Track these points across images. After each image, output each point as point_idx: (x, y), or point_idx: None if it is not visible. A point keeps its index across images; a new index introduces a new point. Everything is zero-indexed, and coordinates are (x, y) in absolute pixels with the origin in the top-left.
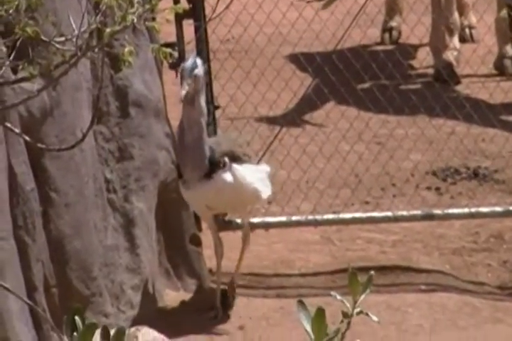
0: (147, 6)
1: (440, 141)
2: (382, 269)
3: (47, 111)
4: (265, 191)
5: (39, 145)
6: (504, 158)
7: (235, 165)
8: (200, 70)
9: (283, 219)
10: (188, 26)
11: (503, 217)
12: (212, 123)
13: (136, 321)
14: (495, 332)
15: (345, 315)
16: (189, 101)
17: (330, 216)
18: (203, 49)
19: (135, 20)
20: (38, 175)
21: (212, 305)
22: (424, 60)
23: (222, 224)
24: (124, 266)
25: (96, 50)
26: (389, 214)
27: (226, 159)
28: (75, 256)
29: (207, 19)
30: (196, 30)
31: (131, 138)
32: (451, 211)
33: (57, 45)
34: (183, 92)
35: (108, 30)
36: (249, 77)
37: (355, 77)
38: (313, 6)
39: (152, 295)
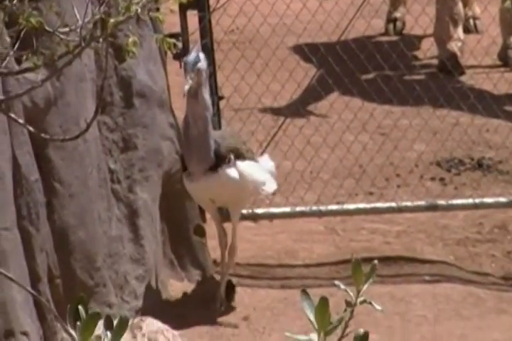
0: None
1: (444, 132)
2: (386, 260)
3: (51, 101)
4: (270, 187)
5: (43, 135)
6: (508, 148)
7: (239, 162)
8: (203, 64)
9: (287, 209)
10: (192, 17)
11: (507, 207)
12: (217, 113)
13: (140, 311)
14: (499, 323)
15: (348, 304)
16: (193, 95)
17: (334, 206)
18: (207, 40)
19: (139, 10)
20: (42, 165)
21: (217, 296)
22: (428, 50)
23: (226, 215)
24: (128, 257)
25: (100, 40)
26: (393, 204)
27: (232, 156)
28: (79, 247)
29: (211, 9)
30: (200, 20)
31: (135, 128)
32: (455, 202)
33: (61, 36)
34: (187, 87)
35: (112, 20)
36: (254, 67)
37: (359, 67)
38: None
39: (156, 285)
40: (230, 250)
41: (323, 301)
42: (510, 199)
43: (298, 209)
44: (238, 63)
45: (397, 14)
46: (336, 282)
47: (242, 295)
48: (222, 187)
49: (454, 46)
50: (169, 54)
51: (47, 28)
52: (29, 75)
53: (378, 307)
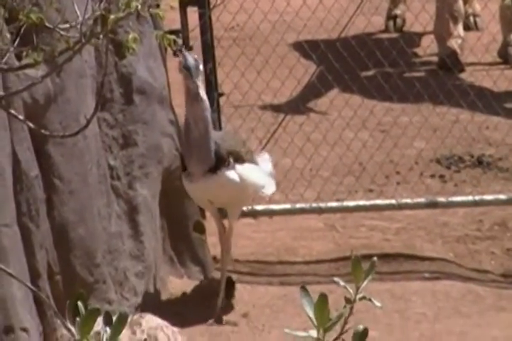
0: None
1: (444, 129)
2: (385, 257)
3: (51, 97)
4: (268, 189)
5: (43, 131)
6: (508, 145)
7: (239, 165)
8: (201, 65)
9: (287, 206)
10: (193, 13)
11: (506, 204)
12: (217, 110)
13: (140, 308)
14: (498, 320)
15: (347, 301)
16: (194, 97)
17: (334, 203)
18: (207, 36)
19: (139, 7)
20: (41, 161)
21: (216, 293)
22: (428, 47)
23: (226, 212)
24: (127, 253)
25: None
26: (393, 201)
27: (231, 159)
28: (79, 243)
29: (211, 6)
30: (200, 17)
31: (135, 125)
32: (454, 199)
33: (62, 32)
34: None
35: (112, 16)
36: (254, 64)
37: (359, 64)
38: None
39: (156, 282)
40: (223, 248)
41: (323, 298)
42: (510, 197)
43: (298, 206)
44: (238, 60)
45: (398, 11)
46: (336, 279)
47: (242, 292)
48: (221, 189)
49: (454, 43)
50: (169, 50)
51: (47, 24)
52: (29, 71)
53: (378, 304)
